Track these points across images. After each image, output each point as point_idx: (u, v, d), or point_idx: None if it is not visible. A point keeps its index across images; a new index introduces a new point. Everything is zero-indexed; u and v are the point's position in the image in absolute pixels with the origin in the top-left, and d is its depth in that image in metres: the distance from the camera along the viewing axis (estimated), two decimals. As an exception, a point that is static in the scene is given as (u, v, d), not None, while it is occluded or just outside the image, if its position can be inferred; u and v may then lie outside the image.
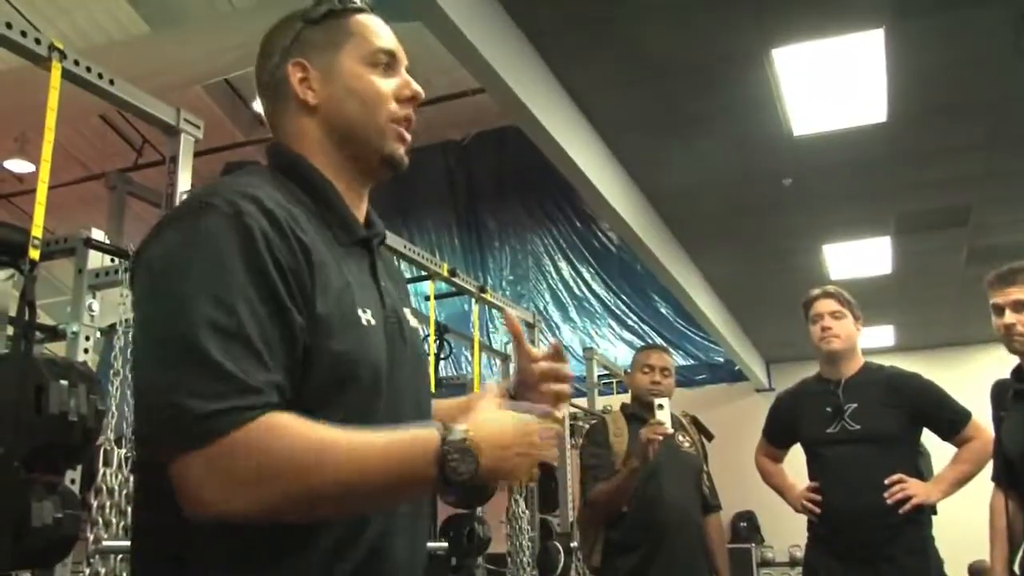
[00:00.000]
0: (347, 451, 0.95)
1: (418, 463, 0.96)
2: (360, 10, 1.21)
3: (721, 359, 9.37)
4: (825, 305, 3.08)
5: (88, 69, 2.21)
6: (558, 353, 1.27)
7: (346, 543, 1.03)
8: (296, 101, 1.17)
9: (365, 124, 1.17)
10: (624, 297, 8.59)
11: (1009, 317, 2.57)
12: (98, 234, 2.35)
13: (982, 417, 2.92)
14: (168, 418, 0.93)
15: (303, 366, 1.00)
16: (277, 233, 1.01)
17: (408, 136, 1.20)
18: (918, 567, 2.88)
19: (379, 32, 1.21)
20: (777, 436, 3.33)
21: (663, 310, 8.71)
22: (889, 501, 2.85)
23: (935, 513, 3.06)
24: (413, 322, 1.24)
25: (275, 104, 1.20)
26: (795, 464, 3.30)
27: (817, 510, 3.02)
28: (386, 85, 1.18)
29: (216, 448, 0.90)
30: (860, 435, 2.95)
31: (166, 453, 0.93)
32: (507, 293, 8.19)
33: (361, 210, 1.21)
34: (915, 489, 2.86)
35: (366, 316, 1.08)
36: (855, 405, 2.99)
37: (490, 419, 1.02)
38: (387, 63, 1.19)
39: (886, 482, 2.87)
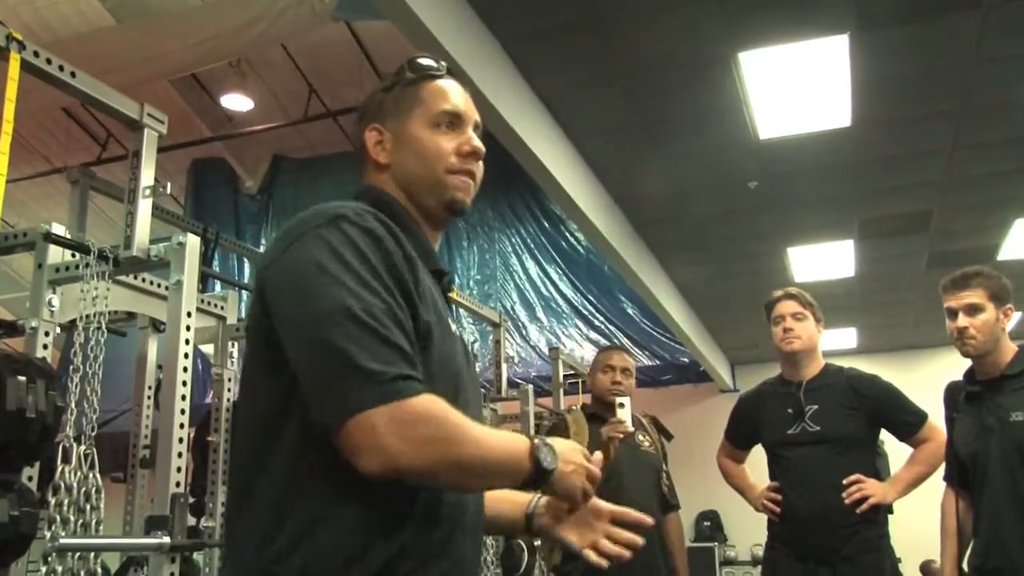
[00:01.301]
0: (479, 432, 1.15)
1: (518, 452, 1.19)
2: (436, 76, 1.37)
3: (686, 360, 9.44)
4: (787, 307, 3.12)
5: (48, 61, 2.18)
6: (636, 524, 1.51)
7: (424, 529, 1.16)
8: (372, 161, 1.35)
9: (426, 177, 1.33)
10: (591, 298, 8.63)
11: (962, 320, 2.61)
12: (59, 229, 2.32)
13: (940, 419, 2.97)
14: (355, 378, 1.06)
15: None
16: (392, 240, 1.18)
17: (471, 184, 1.36)
18: (874, 566, 2.93)
19: (447, 95, 1.36)
20: (739, 437, 3.36)
21: (630, 311, 8.76)
22: (847, 501, 2.89)
23: (891, 513, 3.10)
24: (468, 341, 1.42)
25: (363, 161, 1.38)
26: (757, 465, 3.33)
27: (777, 510, 3.06)
28: (448, 144, 1.33)
29: (400, 408, 1.07)
30: (820, 436, 2.99)
31: (348, 410, 1.06)
32: (474, 293, 8.19)
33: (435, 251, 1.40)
34: (872, 489, 2.91)
35: (455, 328, 1.30)
36: (815, 407, 3.03)
37: (566, 446, 1.27)
38: (450, 122, 1.34)
39: (844, 482, 2.91)
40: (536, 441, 1.20)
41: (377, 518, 1.12)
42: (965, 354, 2.66)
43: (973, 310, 2.61)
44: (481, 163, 1.37)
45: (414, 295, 1.18)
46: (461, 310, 4.51)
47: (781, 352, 3.13)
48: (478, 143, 1.36)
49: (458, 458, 1.11)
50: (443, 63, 1.40)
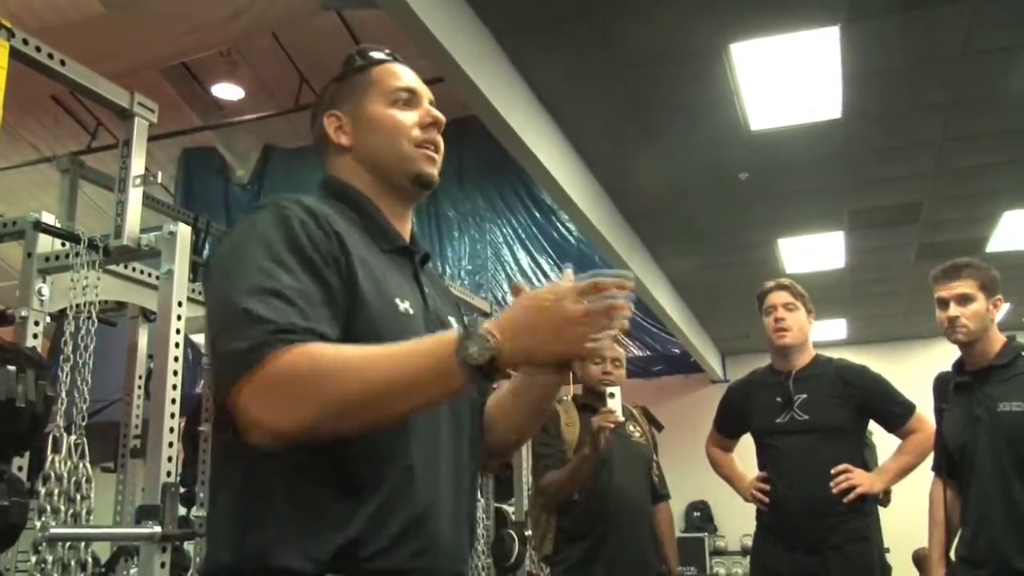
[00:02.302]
0: (373, 352, 1.06)
1: (438, 354, 1.04)
2: (381, 61, 1.39)
3: (677, 351, 9.45)
4: (778, 297, 3.13)
5: (38, 49, 2.17)
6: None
7: (388, 510, 1.13)
8: (334, 146, 1.36)
9: (390, 152, 1.34)
10: (582, 288, 8.62)
11: (953, 310, 2.63)
12: (48, 217, 2.31)
13: (928, 410, 2.99)
14: (224, 363, 1.08)
15: (345, 332, 1.13)
16: (313, 221, 1.17)
17: (436, 157, 1.36)
18: (861, 554, 2.95)
19: (398, 74, 1.38)
20: (727, 426, 3.38)
21: (621, 301, 8.76)
22: (834, 491, 2.91)
23: (886, 504, 3.13)
24: (456, 327, 1.36)
25: (324, 153, 1.39)
26: (745, 455, 3.35)
27: (766, 500, 3.07)
28: (408, 117, 1.35)
29: (258, 374, 1.03)
30: (808, 425, 3.01)
31: (227, 392, 1.06)
32: (465, 283, 8.19)
33: (404, 228, 1.37)
34: (859, 479, 2.93)
35: (404, 305, 1.22)
36: (804, 396, 3.04)
37: (516, 308, 1.07)
38: (407, 99, 1.36)
39: (832, 472, 2.93)
40: (465, 332, 1.04)
41: (319, 512, 1.11)
42: (955, 342, 2.68)
43: (964, 300, 2.63)
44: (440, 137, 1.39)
45: (331, 265, 1.15)
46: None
47: (772, 343, 3.14)
48: (438, 113, 1.37)
49: (343, 399, 1.04)
50: (387, 51, 1.42)
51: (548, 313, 1.04)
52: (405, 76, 1.39)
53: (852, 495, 2.91)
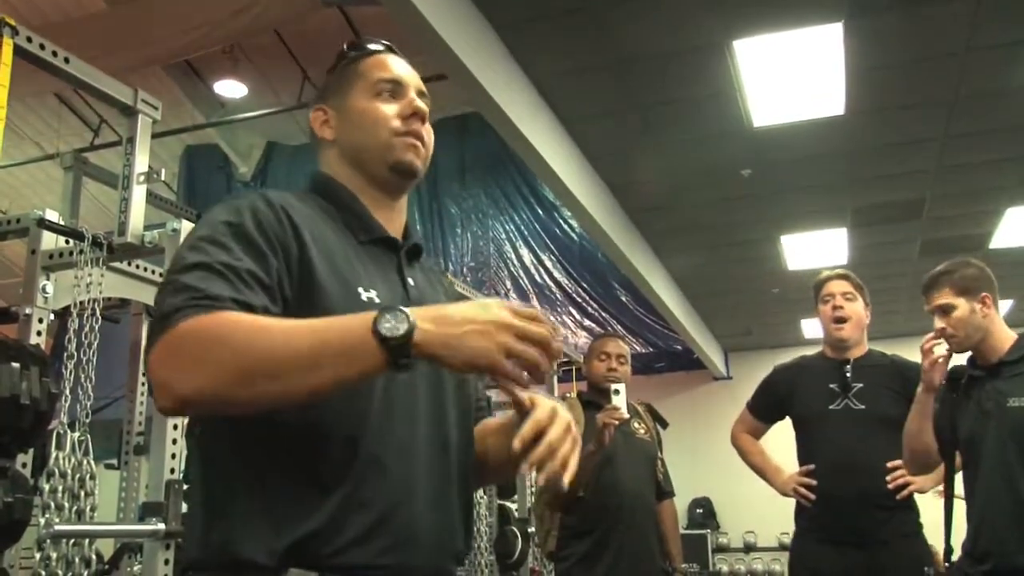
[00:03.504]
0: (284, 324, 1.04)
1: (354, 327, 1.01)
2: (372, 52, 1.39)
3: (680, 347, 9.45)
4: (837, 286, 3.06)
5: (41, 46, 2.17)
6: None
7: (355, 504, 1.11)
8: (320, 139, 1.38)
9: (371, 144, 1.33)
10: (585, 285, 8.62)
11: (938, 323, 2.60)
12: (52, 215, 2.32)
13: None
14: (148, 331, 1.10)
15: (288, 313, 1.11)
16: (267, 208, 1.18)
17: (419, 146, 1.34)
18: (912, 550, 2.88)
19: (386, 65, 1.37)
20: (766, 410, 3.26)
21: (624, 298, 8.76)
22: (890, 485, 2.83)
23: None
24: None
25: (314, 145, 1.40)
26: (771, 443, 3.28)
27: (812, 497, 2.97)
28: (389, 108, 1.34)
29: (168, 337, 1.02)
30: (863, 415, 2.94)
31: (146, 360, 1.05)
32: (468, 280, 8.19)
33: (394, 221, 1.36)
34: (913, 476, 2.85)
35: (368, 294, 1.20)
36: (861, 385, 2.98)
37: (456, 305, 1.06)
38: (391, 90, 1.35)
39: (888, 465, 2.85)
40: (386, 308, 1.01)
41: (279, 504, 1.10)
42: (953, 352, 2.65)
43: (944, 311, 2.60)
44: (430, 128, 1.37)
45: (278, 250, 1.14)
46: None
47: (828, 334, 3.07)
48: (420, 104, 1.35)
49: (243, 364, 1.00)
50: (384, 42, 1.41)
51: (481, 313, 1.03)
52: (394, 66, 1.37)
53: (906, 492, 2.84)
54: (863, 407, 2.96)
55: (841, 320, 3.04)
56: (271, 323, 1.04)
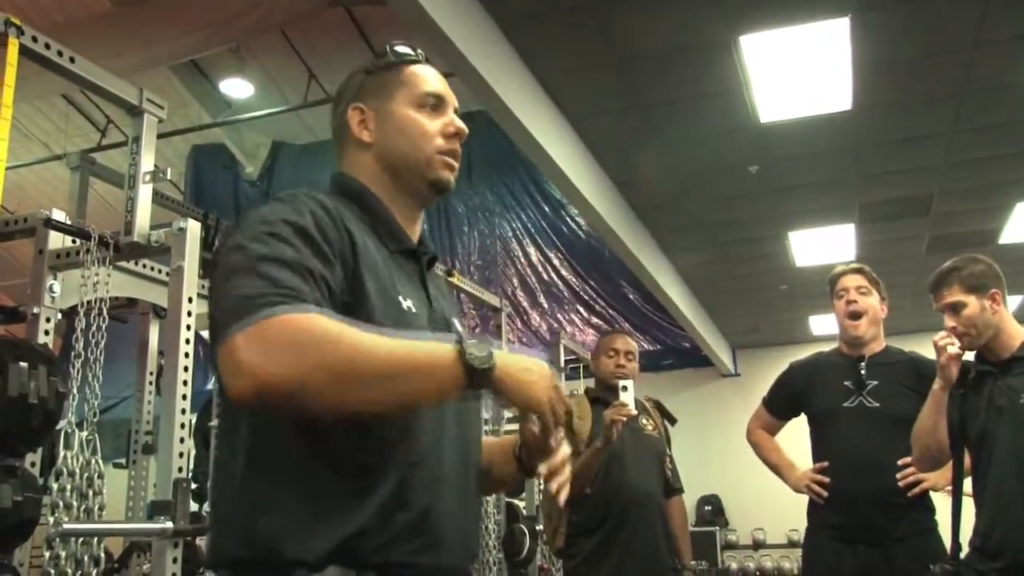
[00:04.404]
0: (372, 336, 1.05)
1: (439, 349, 1.09)
2: (414, 61, 1.40)
3: (687, 344, 9.43)
4: (852, 280, 3.04)
5: (47, 46, 2.17)
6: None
7: (396, 503, 1.13)
8: (354, 139, 1.36)
9: (413, 156, 1.34)
10: (592, 282, 8.61)
11: (948, 321, 2.59)
12: (59, 215, 2.32)
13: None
14: (224, 310, 1.06)
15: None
16: (326, 214, 1.19)
17: (455, 164, 1.37)
18: (927, 547, 2.86)
19: (428, 79, 1.38)
20: (781, 406, 3.23)
21: (631, 296, 8.75)
22: (901, 483, 2.81)
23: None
24: (461, 331, 1.38)
25: (341, 142, 1.39)
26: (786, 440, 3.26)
27: (824, 494, 2.95)
28: (432, 124, 1.35)
29: (259, 322, 1.02)
30: (878, 413, 2.92)
31: (221, 339, 1.04)
32: (475, 278, 8.19)
33: (415, 230, 1.38)
34: (925, 473, 2.84)
35: (407, 303, 1.24)
36: (876, 382, 2.96)
37: (519, 356, 1.17)
38: (434, 104, 1.36)
39: (900, 463, 2.83)
40: (466, 339, 1.11)
41: (328, 502, 1.11)
42: (964, 349, 2.64)
43: (954, 309, 2.59)
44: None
45: (337, 256, 1.16)
46: (462, 295, 4.50)
47: (844, 330, 3.04)
48: (462, 124, 1.38)
49: (334, 359, 1.02)
50: (421, 51, 1.42)
51: (541, 369, 1.17)
52: (434, 81, 1.39)
53: (918, 489, 2.82)
54: (877, 404, 2.94)
55: (856, 315, 3.01)
56: (362, 331, 1.06)
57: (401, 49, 1.41)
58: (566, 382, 5.22)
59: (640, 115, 5.07)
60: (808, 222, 6.82)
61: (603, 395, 3.28)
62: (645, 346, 9.05)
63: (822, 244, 7.18)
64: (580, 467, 3.09)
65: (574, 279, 8.62)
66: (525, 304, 8.66)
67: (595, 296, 8.70)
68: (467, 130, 1.38)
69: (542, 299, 8.71)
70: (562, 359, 5.25)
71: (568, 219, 8.19)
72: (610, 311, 8.74)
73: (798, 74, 4.66)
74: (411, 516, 1.15)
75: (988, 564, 2.54)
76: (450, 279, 4.13)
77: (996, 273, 2.63)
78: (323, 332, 1.03)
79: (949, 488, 2.85)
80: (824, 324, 8.84)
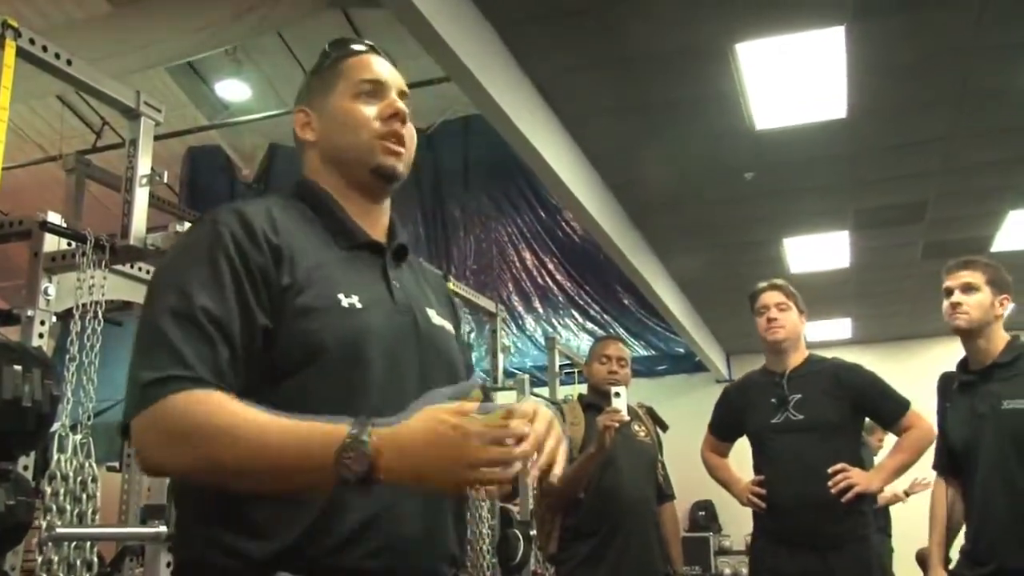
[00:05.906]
0: (253, 426, 1.05)
1: (315, 452, 1.02)
2: (354, 53, 1.38)
3: (682, 350, 9.44)
4: (771, 297, 3.16)
5: (44, 48, 2.17)
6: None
7: (337, 510, 1.11)
8: (301, 141, 1.37)
9: (351, 146, 1.32)
10: (587, 288, 8.62)
11: (957, 297, 2.67)
12: (55, 217, 2.31)
13: (931, 408, 2.98)
14: (132, 388, 1.12)
15: (270, 340, 1.16)
16: (246, 235, 1.18)
17: (399, 149, 1.33)
18: (861, 552, 2.96)
19: (367, 66, 1.36)
20: (723, 429, 3.38)
21: (626, 301, 8.76)
22: (832, 490, 2.90)
23: (904, 501, 3.12)
24: (437, 320, 1.37)
25: (297, 147, 1.40)
26: (743, 457, 3.34)
27: (762, 504, 3.07)
28: (369, 110, 1.33)
29: (153, 409, 1.08)
30: (803, 424, 3.02)
31: (129, 416, 1.11)
32: (471, 282, 8.18)
33: (378, 222, 1.36)
34: (857, 478, 2.93)
35: (349, 300, 1.21)
36: (799, 396, 3.05)
37: (418, 426, 1.02)
38: (371, 91, 1.34)
39: (829, 471, 2.93)
40: (352, 438, 1.00)
41: (268, 509, 1.11)
42: (956, 328, 2.69)
43: (969, 288, 2.67)
44: (411, 128, 1.36)
45: (259, 284, 1.16)
46: (456, 299, 4.50)
47: (766, 342, 3.16)
48: (400, 104, 1.35)
49: (211, 453, 1.05)
50: (367, 42, 1.41)
51: (446, 445, 1.00)
52: (375, 67, 1.36)
53: (850, 494, 2.90)
54: (802, 417, 3.04)
55: (775, 328, 3.13)
56: (249, 420, 1.06)
57: (338, 43, 1.40)
58: (560, 387, 5.22)
59: (635, 120, 5.07)
60: (803, 228, 6.83)
61: (596, 401, 3.29)
62: (639, 351, 9.06)
63: (817, 250, 7.19)
64: (573, 472, 3.09)
65: (569, 284, 8.63)
66: (520, 309, 8.66)
67: (590, 301, 8.70)
68: (407, 109, 1.35)
69: (537, 304, 8.72)
70: (557, 365, 5.25)
71: (564, 224, 8.19)
72: (605, 316, 8.75)
73: (794, 82, 4.67)
74: (360, 518, 1.12)
75: (976, 570, 2.56)
76: (446, 284, 4.13)
77: (1011, 286, 2.72)
78: (206, 424, 1.06)
79: (914, 492, 2.93)
80: (817, 331, 8.86)
